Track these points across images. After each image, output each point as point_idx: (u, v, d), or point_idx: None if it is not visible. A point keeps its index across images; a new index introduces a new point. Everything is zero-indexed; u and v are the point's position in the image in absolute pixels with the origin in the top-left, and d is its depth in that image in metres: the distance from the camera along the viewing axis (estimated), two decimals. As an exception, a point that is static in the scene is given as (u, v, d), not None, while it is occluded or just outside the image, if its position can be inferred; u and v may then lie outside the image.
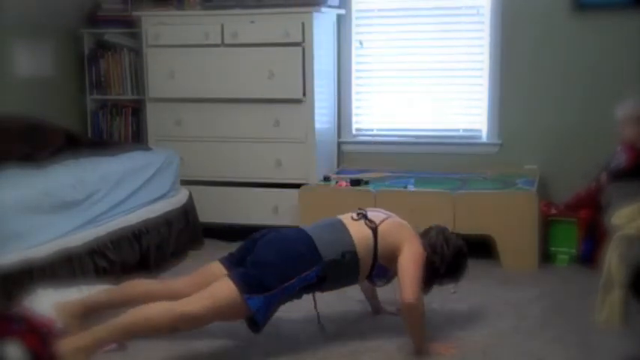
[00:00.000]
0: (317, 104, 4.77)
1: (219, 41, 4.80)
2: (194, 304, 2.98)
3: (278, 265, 3.09)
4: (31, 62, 4.91)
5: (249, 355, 3.21)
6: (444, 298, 3.54)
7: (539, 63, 4.88)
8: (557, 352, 3.19)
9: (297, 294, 3.18)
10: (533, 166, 4.90)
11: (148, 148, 4.74)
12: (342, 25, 5.14)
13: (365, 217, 3.32)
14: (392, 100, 5.22)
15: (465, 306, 3.57)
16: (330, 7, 4.87)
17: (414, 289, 3.11)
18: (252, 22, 4.76)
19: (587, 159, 4.58)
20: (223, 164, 4.93)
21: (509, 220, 4.28)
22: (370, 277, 3.34)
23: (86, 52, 5.29)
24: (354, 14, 5.16)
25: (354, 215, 3.33)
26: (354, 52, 5.19)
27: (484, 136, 5.08)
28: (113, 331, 2.93)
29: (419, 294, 3.13)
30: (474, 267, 3.50)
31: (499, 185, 4.58)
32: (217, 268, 3.24)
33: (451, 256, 3.31)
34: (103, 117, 5.34)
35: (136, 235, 4.17)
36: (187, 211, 4.71)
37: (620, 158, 4.18)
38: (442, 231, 3.36)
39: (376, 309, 3.65)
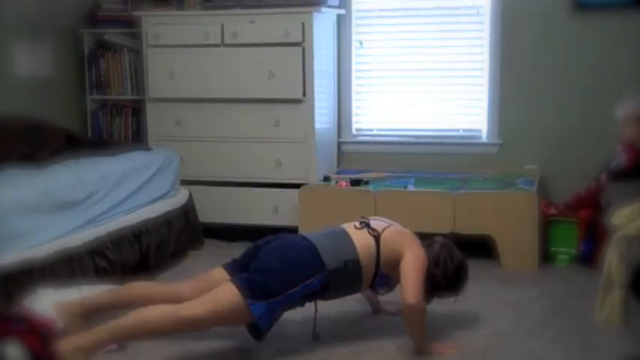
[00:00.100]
0: (317, 104, 4.77)
1: (219, 41, 4.80)
2: (196, 308, 2.98)
3: (282, 272, 3.09)
4: (31, 62, 4.91)
5: (250, 356, 3.21)
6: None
7: (539, 63, 4.88)
8: (557, 352, 3.19)
9: (300, 301, 3.19)
10: (533, 166, 4.90)
11: (148, 148, 4.74)
12: (342, 25, 5.14)
13: (367, 225, 3.33)
14: (392, 100, 5.22)
15: (465, 306, 3.56)
16: (330, 7, 4.87)
17: (416, 291, 3.12)
18: (252, 22, 4.76)
19: (587, 159, 4.58)
20: (223, 164, 4.93)
21: (509, 220, 4.28)
22: (373, 286, 3.36)
23: (86, 52, 5.29)
24: (354, 14, 5.16)
25: (357, 224, 3.35)
26: (354, 52, 5.19)
27: (484, 136, 5.08)
28: (114, 332, 2.93)
29: (420, 296, 3.13)
30: (474, 267, 3.50)
31: (499, 185, 4.58)
32: (220, 273, 3.24)
33: (453, 271, 3.32)
34: (103, 117, 5.34)
35: (136, 235, 4.16)
36: (187, 211, 4.71)
37: (620, 158, 4.18)
38: (446, 245, 3.37)
39: (376, 309, 3.65)
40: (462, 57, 5.06)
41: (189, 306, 2.99)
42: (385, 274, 3.29)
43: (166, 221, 4.46)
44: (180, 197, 4.69)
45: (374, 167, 5.08)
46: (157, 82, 4.96)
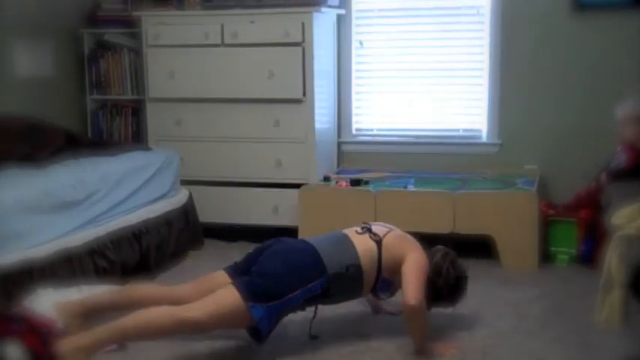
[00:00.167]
0: (317, 104, 4.77)
1: (219, 41, 4.80)
2: (197, 310, 2.98)
3: (283, 275, 3.09)
4: (31, 62, 4.91)
5: (250, 356, 3.21)
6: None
7: (539, 63, 4.88)
8: (557, 352, 3.19)
9: (301, 305, 3.19)
10: (533, 166, 4.90)
11: (147, 148, 4.74)
12: (342, 25, 5.14)
13: (369, 230, 3.33)
14: (392, 100, 5.22)
15: (465, 306, 3.56)
16: (330, 7, 4.87)
17: (417, 293, 3.12)
18: (252, 22, 4.76)
19: (587, 159, 4.58)
20: (223, 164, 4.93)
21: (509, 220, 4.28)
22: (374, 291, 3.36)
23: (86, 52, 5.29)
24: (354, 14, 5.16)
25: (359, 229, 3.35)
26: (354, 52, 5.19)
27: (484, 136, 5.08)
28: (114, 333, 2.93)
29: (421, 298, 3.13)
30: (474, 267, 3.51)
31: (499, 185, 4.57)
32: (222, 276, 3.24)
33: (454, 279, 3.33)
34: (103, 117, 5.34)
35: (136, 235, 4.17)
36: (187, 211, 4.71)
37: (620, 158, 4.18)
38: (448, 255, 3.37)
39: (376, 309, 3.65)
40: (462, 57, 5.06)
41: (190, 308, 2.98)
42: (387, 279, 3.30)
43: (166, 221, 4.46)
44: (180, 197, 4.69)
45: (374, 167, 5.08)
46: (157, 82, 4.96)
